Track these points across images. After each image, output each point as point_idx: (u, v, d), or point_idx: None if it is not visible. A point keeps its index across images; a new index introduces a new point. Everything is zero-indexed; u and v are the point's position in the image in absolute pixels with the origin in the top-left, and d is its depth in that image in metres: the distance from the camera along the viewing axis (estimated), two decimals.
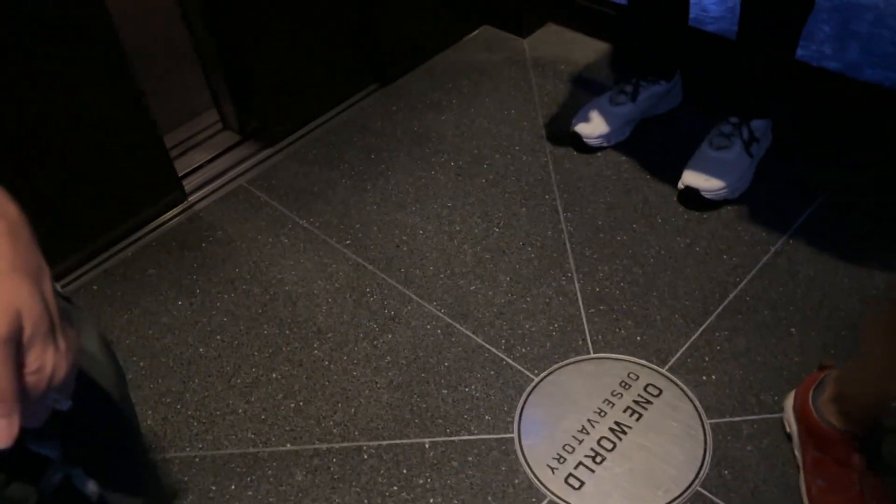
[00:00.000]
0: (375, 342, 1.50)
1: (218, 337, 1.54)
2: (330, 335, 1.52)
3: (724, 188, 1.66)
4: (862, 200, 1.65)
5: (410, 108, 2.03)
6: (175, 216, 1.79)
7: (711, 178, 1.65)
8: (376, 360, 1.47)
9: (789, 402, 1.28)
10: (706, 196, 1.66)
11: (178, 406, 1.43)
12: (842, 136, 1.78)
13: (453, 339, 1.49)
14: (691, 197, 1.68)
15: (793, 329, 1.44)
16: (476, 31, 2.26)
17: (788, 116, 1.79)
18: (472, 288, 1.58)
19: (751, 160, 1.71)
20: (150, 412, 1.42)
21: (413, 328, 1.52)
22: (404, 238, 1.70)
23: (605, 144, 1.84)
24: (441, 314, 1.54)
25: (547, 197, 1.75)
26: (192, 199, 1.82)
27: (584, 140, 1.82)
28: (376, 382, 1.44)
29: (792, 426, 1.26)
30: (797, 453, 1.24)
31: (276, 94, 1.92)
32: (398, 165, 1.87)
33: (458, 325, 1.51)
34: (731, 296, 1.51)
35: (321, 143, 1.96)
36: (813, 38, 1.89)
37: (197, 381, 1.47)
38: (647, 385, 1.39)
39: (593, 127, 1.82)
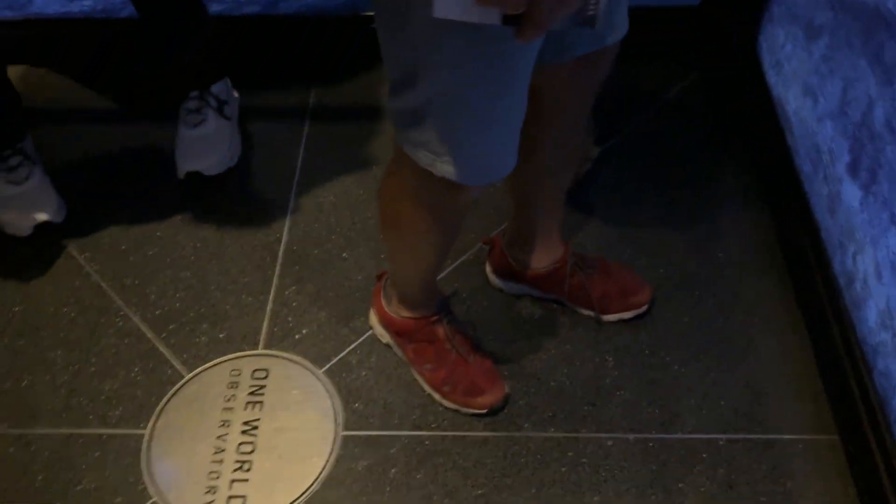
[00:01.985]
0: None
1: None
2: None
3: (220, 159, 1.65)
4: (339, 114, 1.80)
5: None
6: None
7: (204, 155, 1.64)
8: None
9: (372, 317, 1.38)
10: (209, 174, 1.64)
11: None
12: (291, 66, 1.89)
13: (32, 449, 1.28)
14: (197, 181, 1.64)
15: (344, 254, 1.54)
16: None
17: (244, 66, 1.83)
18: (25, 384, 1.37)
19: (230, 122, 1.72)
20: None
21: None
22: None
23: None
24: (5, 430, 1.31)
25: (58, 249, 1.56)
26: None
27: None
28: None
29: (384, 335, 1.37)
30: (400, 354, 1.35)
31: None
32: None
33: (30, 431, 1.31)
34: (281, 252, 1.55)
35: None
36: None
37: None
38: (254, 372, 1.38)
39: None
